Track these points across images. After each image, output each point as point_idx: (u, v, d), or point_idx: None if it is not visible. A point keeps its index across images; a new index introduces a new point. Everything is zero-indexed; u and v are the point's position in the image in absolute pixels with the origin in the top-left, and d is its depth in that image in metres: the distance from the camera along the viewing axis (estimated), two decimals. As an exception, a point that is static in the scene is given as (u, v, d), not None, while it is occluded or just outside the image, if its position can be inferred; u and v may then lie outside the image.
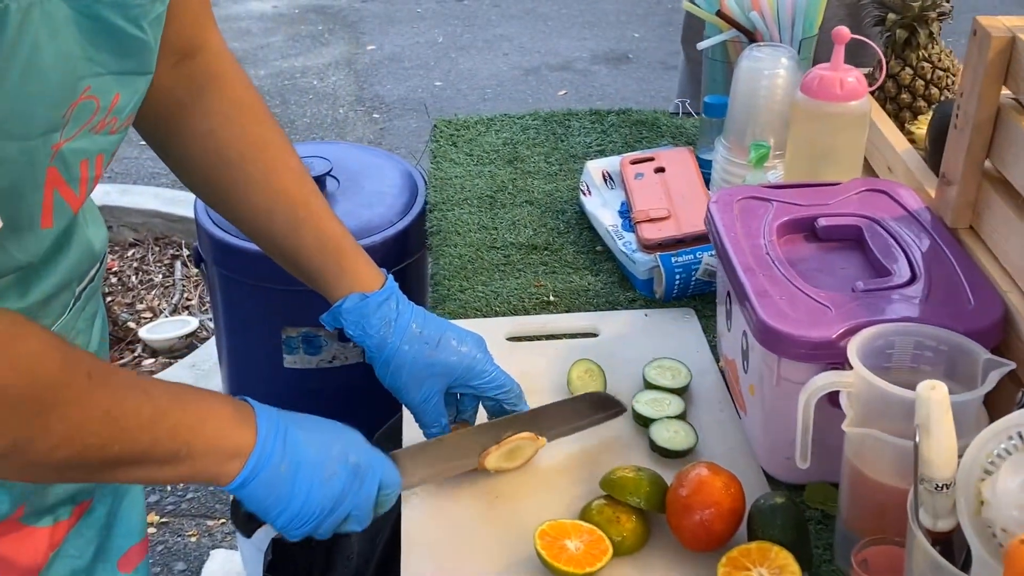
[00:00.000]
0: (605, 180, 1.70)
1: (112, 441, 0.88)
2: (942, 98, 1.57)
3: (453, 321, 1.24)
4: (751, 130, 1.56)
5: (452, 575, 1.10)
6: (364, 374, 1.97)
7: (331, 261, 1.14)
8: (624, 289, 1.55)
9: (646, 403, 1.29)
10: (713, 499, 1.08)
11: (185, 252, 3.52)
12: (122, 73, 0.89)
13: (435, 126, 2.01)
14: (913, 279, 1.17)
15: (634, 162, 1.69)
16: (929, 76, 1.57)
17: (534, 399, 1.25)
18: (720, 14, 1.68)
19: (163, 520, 2.65)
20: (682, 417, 1.28)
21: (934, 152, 1.38)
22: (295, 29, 5.61)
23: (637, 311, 1.50)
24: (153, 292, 3.38)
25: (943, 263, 1.19)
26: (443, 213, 1.74)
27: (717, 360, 1.39)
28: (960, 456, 0.85)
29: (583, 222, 1.70)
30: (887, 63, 1.53)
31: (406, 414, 1.27)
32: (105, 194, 3.61)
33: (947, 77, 1.57)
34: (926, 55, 1.57)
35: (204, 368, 2.92)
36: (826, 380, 1.04)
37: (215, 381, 2.79)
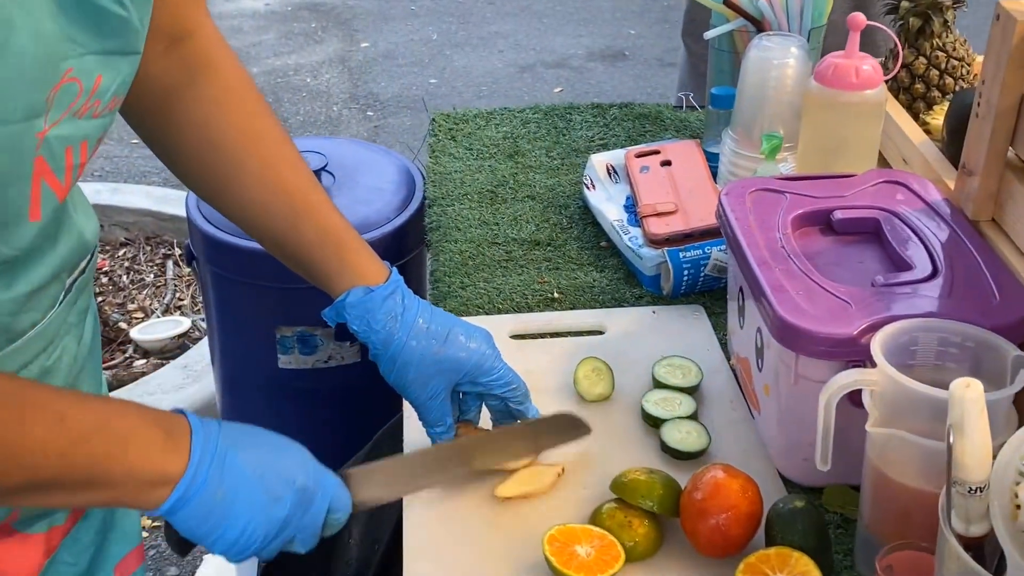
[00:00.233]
0: (609, 174, 1.66)
1: (16, 470, 0.83)
2: (956, 88, 1.53)
3: (455, 318, 1.19)
4: (760, 122, 1.52)
5: (457, 583, 1.06)
6: (361, 375, 1.95)
7: (332, 254, 1.10)
8: (630, 285, 1.51)
9: (656, 403, 1.25)
10: (730, 503, 1.04)
11: (177, 251, 3.48)
12: (104, 53, 0.85)
13: (433, 120, 1.97)
14: (935, 273, 1.13)
15: (639, 155, 1.65)
16: (944, 65, 1.53)
17: (539, 398, 1.20)
18: (727, 3, 1.63)
19: (155, 524, 2.59)
20: (694, 417, 1.24)
21: (952, 142, 1.34)
22: (288, 26, 5.57)
23: (644, 308, 1.46)
24: (144, 292, 3.33)
25: (965, 256, 1.15)
26: (443, 208, 1.69)
27: (728, 358, 1.35)
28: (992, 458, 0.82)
29: (587, 217, 1.66)
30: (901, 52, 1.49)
31: (407, 414, 1.23)
32: (96, 193, 3.56)
33: (962, 66, 1.53)
34: (940, 44, 1.53)
35: (196, 369, 2.88)
36: (849, 378, 1.00)
37: (208, 382, 2.75)
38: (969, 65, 1.54)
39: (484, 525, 1.12)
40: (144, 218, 3.59)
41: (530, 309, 1.46)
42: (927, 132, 1.46)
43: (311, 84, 4.96)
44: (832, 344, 1.05)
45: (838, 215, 1.22)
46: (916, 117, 1.53)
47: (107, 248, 3.50)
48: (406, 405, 1.20)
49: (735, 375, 1.32)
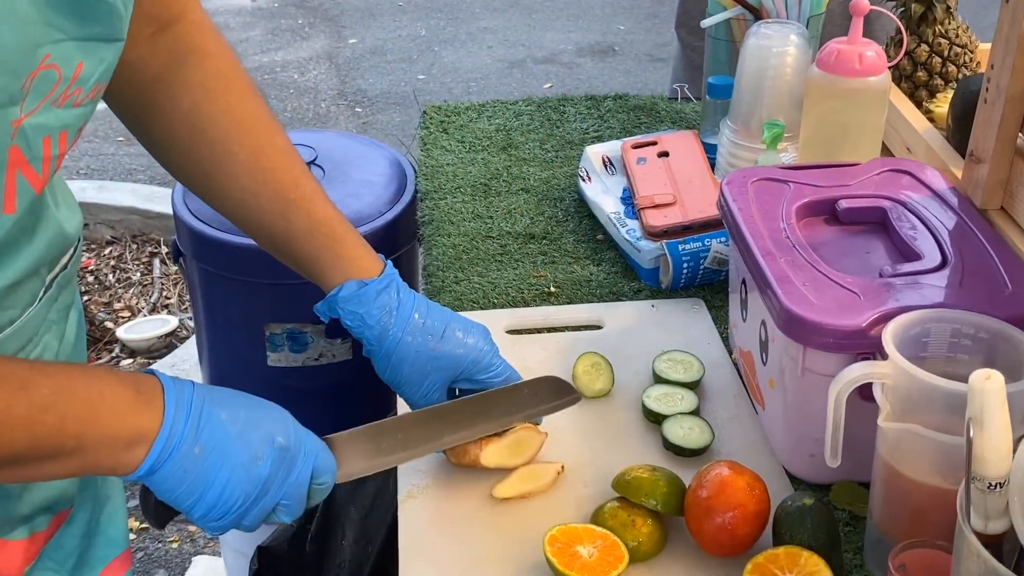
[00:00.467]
0: (605, 165, 1.62)
1: None
2: (960, 76, 1.50)
3: (450, 313, 1.15)
4: (759, 111, 1.49)
5: (455, 585, 1.03)
6: (352, 372, 1.92)
7: (325, 246, 1.06)
8: (628, 279, 1.47)
9: (657, 398, 1.22)
10: (736, 500, 1.01)
11: (164, 249, 3.44)
12: (85, 39, 0.81)
13: (424, 112, 1.94)
14: (944, 263, 1.09)
15: (636, 146, 1.62)
16: (946, 53, 1.50)
17: (538, 395, 1.17)
18: (725, -9, 1.60)
19: (143, 526, 2.55)
20: (696, 413, 1.20)
21: (958, 130, 1.31)
22: (275, 23, 5.53)
23: (643, 302, 1.42)
24: (131, 291, 3.29)
25: (975, 246, 1.12)
26: (435, 202, 1.66)
27: (730, 352, 1.31)
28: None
29: (582, 210, 1.62)
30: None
31: (401, 413, 1.19)
32: (81, 190, 3.52)
33: (965, 54, 1.51)
34: (943, 31, 1.50)
35: (184, 368, 2.84)
36: (860, 371, 0.96)
37: (196, 380, 2.72)
38: (972, 52, 1.52)
39: (482, 526, 1.09)
40: (130, 216, 3.55)
41: (526, 304, 1.43)
42: (931, 120, 1.43)
43: (299, 81, 4.92)
44: (841, 336, 1.02)
45: (843, 205, 1.19)
46: (919, 105, 1.50)
47: (93, 246, 3.46)
48: (400, 403, 1.16)
49: (737, 369, 1.29)
